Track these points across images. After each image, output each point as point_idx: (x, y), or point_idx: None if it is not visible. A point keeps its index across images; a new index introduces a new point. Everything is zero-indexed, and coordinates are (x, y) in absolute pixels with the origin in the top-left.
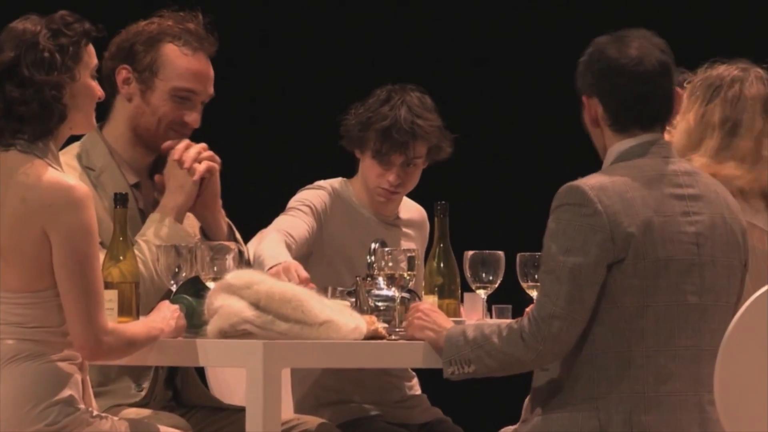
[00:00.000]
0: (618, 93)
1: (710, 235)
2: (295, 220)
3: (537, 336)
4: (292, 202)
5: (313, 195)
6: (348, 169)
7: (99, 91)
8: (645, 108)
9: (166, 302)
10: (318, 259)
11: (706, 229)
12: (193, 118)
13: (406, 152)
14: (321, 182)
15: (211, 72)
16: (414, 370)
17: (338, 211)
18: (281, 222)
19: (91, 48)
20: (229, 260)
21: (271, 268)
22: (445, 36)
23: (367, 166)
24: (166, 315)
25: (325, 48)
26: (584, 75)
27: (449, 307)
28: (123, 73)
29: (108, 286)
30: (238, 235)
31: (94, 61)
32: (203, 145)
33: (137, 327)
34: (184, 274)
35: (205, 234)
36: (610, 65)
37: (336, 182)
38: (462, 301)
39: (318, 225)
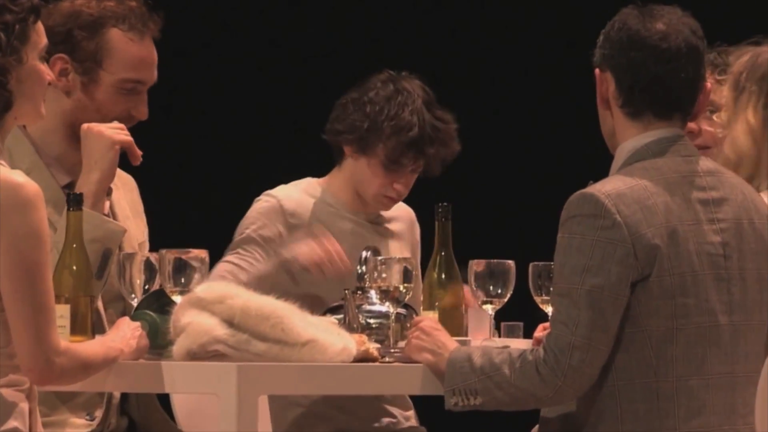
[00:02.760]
0: (633, 68)
1: (737, 245)
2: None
3: (556, 370)
4: (236, 241)
5: (259, 224)
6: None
7: (49, 76)
8: (662, 92)
9: (126, 319)
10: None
11: (732, 237)
12: (142, 110)
13: (423, 160)
14: (267, 202)
15: (156, 56)
16: (411, 398)
17: (301, 225)
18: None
19: (40, 26)
20: (198, 270)
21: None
22: (453, 23)
23: (368, 171)
24: (126, 334)
25: (287, 32)
26: (602, 46)
27: (452, 324)
28: (59, 63)
29: (59, 299)
30: None
31: (44, 41)
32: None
33: (93, 347)
34: (146, 287)
35: None
36: (630, 37)
37: (296, 189)
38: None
39: (274, 254)
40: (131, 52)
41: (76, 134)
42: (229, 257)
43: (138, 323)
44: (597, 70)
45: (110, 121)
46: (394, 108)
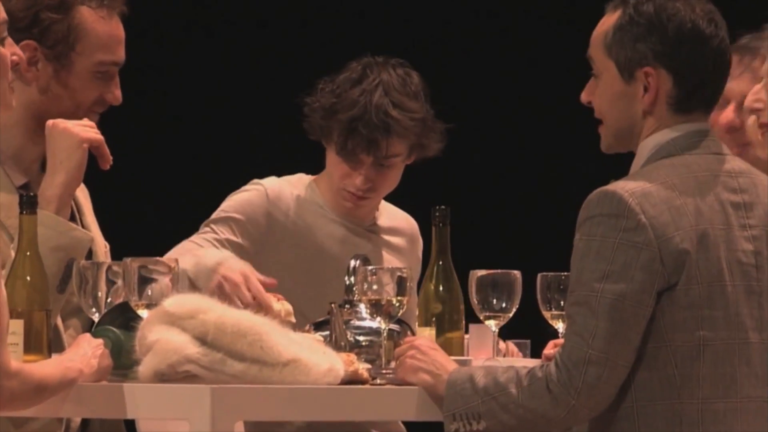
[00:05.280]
0: (696, 67)
1: None
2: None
3: (569, 387)
4: (215, 216)
5: (240, 212)
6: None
7: (14, 56)
8: (717, 87)
9: (87, 336)
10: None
11: (764, 246)
12: (116, 93)
13: (375, 152)
14: (255, 190)
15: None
16: (406, 424)
17: (284, 221)
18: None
19: None
20: (167, 281)
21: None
22: (465, 21)
23: (333, 162)
24: (87, 352)
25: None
26: (645, 39)
27: (451, 342)
28: (27, 52)
29: (11, 314)
30: None
31: (2, 15)
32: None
33: (49, 368)
34: (109, 300)
35: None
36: (693, 30)
37: (286, 184)
38: (467, 334)
39: (249, 244)
40: (104, 32)
41: (40, 128)
42: (197, 238)
43: (100, 341)
44: (648, 69)
45: (85, 109)
46: (348, 87)
